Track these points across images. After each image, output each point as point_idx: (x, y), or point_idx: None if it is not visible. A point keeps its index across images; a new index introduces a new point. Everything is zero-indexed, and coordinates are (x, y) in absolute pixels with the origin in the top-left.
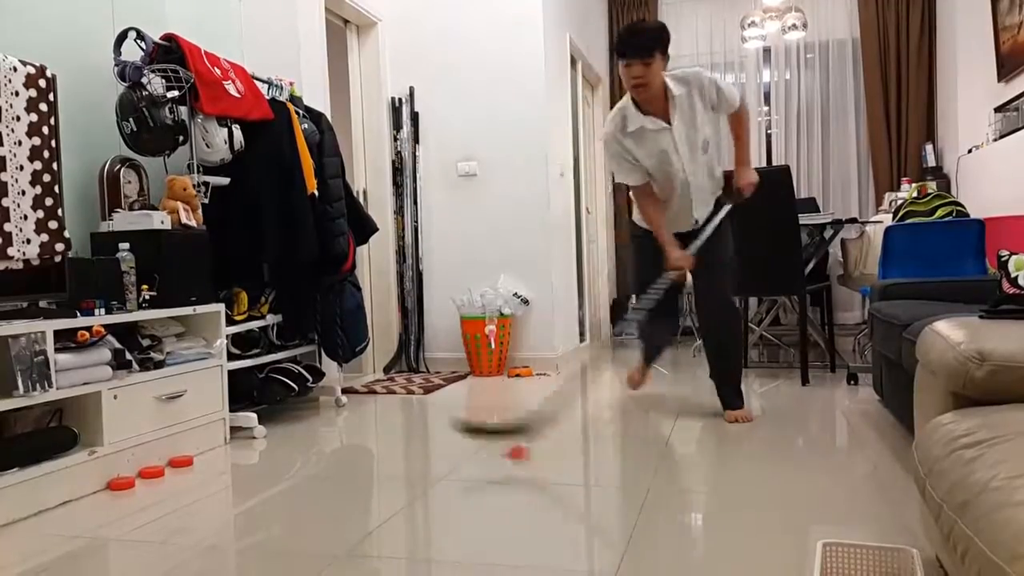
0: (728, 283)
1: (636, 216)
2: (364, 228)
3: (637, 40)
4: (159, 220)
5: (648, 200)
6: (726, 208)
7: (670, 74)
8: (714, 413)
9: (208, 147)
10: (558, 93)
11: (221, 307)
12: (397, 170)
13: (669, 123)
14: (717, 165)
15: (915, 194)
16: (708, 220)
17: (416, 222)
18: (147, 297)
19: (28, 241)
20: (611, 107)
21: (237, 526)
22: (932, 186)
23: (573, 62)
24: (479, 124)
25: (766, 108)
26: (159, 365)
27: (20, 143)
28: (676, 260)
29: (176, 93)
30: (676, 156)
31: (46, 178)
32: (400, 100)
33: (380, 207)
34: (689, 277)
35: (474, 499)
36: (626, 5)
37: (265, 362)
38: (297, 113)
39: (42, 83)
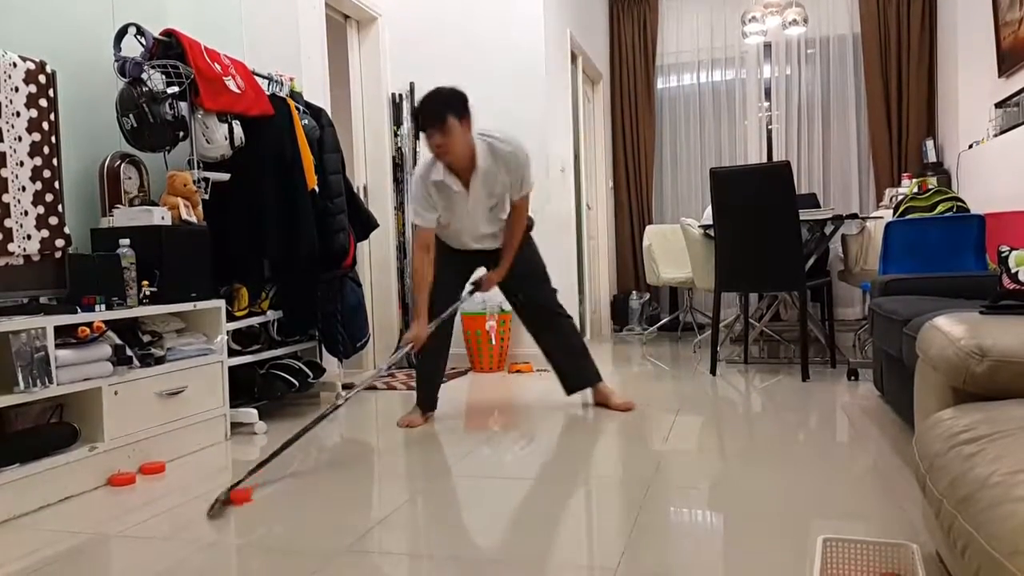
0: (547, 294)
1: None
2: (365, 224)
3: (428, 107)
4: (159, 216)
5: (422, 252)
6: (467, 293)
7: (488, 138)
8: (714, 408)
9: (208, 143)
10: (559, 89)
11: (222, 303)
12: (398, 166)
13: (467, 189)
14: (502, 213)
15: (916, 190)
16: (454, 307)
17: None
18: (147, 293)
19: (28, 237)
20: (611, 103)
21: (238, 522)
22: (933, 182)
23: (574, 58)
24: (479, 119)
25: (767, 104)
26: (160, 361)
27: (20, 139)
28: (417, 335)
29: (176, 89)
30: (466, 215)
31: (46, 174)
32: (400, 95)
33: (381, 203)
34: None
35: (475, 495)
36: (627, 1)
37: (266, 358)
38: (297, 109)
39: (42, 79)
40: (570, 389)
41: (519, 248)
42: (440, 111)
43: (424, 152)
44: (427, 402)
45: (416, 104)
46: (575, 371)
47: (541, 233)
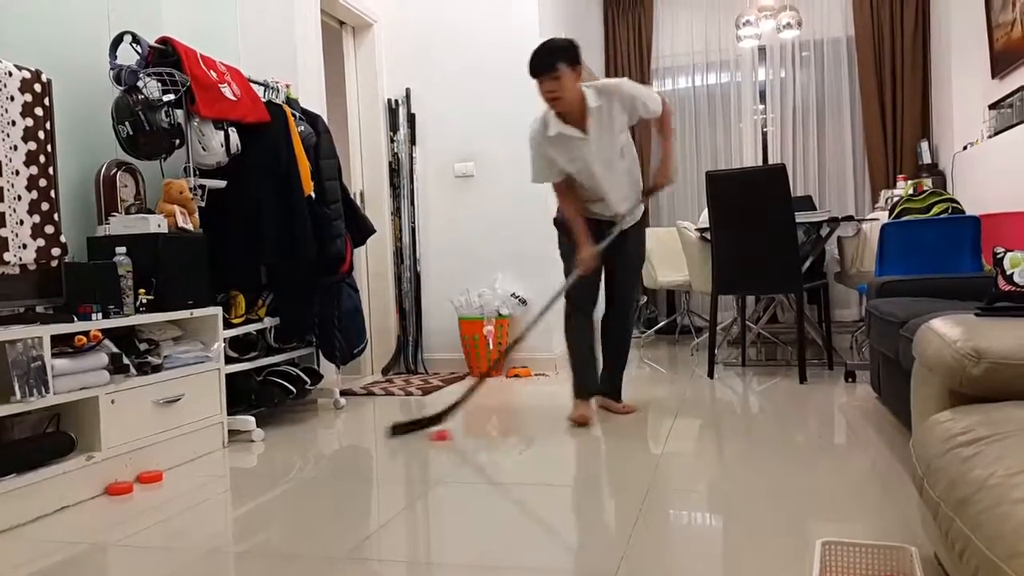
0: (634, 284)
1: (558, 214)
2: (361, 230)
3: (540, 57)
4: (156, 224)
5: (567, 194)
6: (639, 208)
7: (590, 85)
8: (712, 411)
9: (204, 150)
10: None
11: (218, 310)
12: (394, 171)
13: (586, 133)
14: (635, 166)
15: (911, 191)
16: (615, 225)
17: (413, 223)
18: (144, 301)
19: (24, 246)
20: None
21: (236, 529)
22: (928, 183)
23: None
24: (476, 125)
25: (761, 106)
26: (156, 369)
27: (15, 148)
28: (583, 257)
29: (172, 96)
30: (594, 163)
31: (42, 183)
32: (396, 101)
33: (377, 209)
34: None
35: (474, 501)
36: (621, 5)
37: (263, 365)
38: (293, 115)
39: (37, 87)
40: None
41: (640, 236)
42: (551, 59)
43: (419, 157)
44: (590, 386)
45: (530, 55)
46: (607, 374)
47: (542, 233)
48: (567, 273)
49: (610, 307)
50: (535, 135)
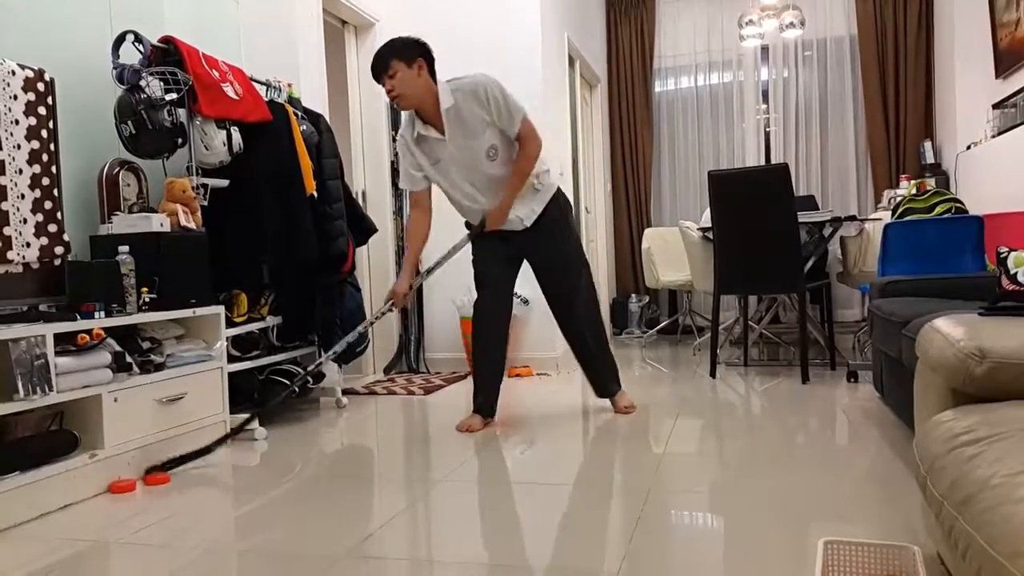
0: (566, 280)
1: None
2: (363, 229)
3: (377, 56)
4: (158, 222)
5: (416, 211)
6: (463, 241)
7: (450, 82)
8: (714, 411)
9: (207, 149)
10: (556, 93)
11: (221, 309)
12: (396, 171)
13: (443, 133)
14: (510, 159)
15: (914, 191)
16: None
17: None
18: (147, 300)
19: (28, 245)
20: (609, 107)
21: (239, 528)
22: (931, 183)
23: (571, 62)
24: None
25: (764, 106)
26: (159, 367)
27: (19, 147)
28: (395, 290)
29: (174, 96)
30: (451, 164)
31: (45, 181)
32: None
33: (379, 208)
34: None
35: (475, 500)
36: (623, 5)
37: (265, 364)
38: (296, 115)
39: (40, 86)
40: (597, 391)
41: (554, 230)
42: (385, 57)
43: None
44: (486, 406)
45: None
46: (589, 377)
47: None
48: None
49: (555, 311)
50: (400, 136)
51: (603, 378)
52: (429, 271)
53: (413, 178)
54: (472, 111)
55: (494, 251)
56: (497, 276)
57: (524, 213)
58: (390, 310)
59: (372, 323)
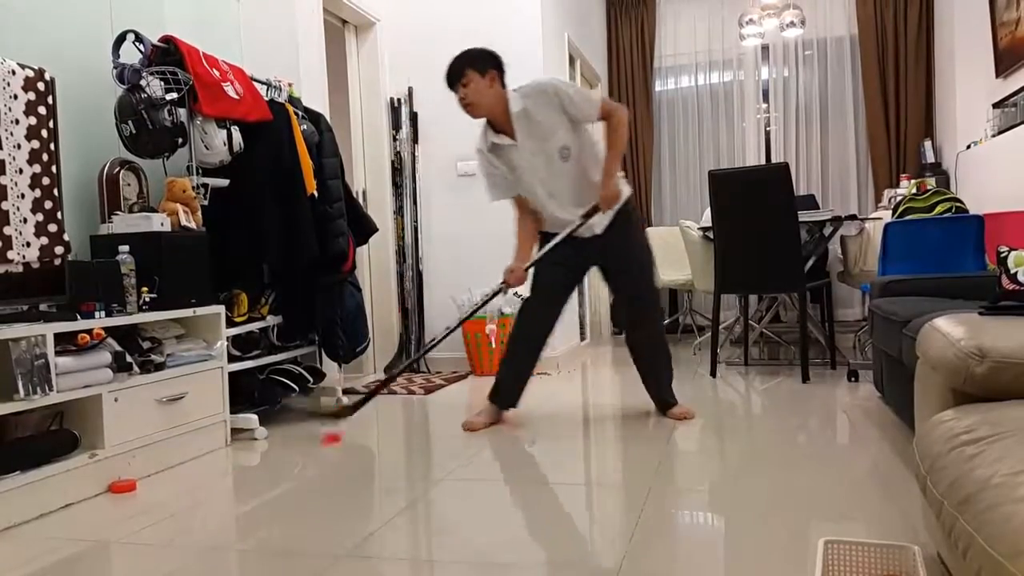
0: (638, 287)
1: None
2: (364, 229)
3: (451, 67)
4: (159, 222)
5: (519, 212)
6: (577, 224)
7: (516, 89)
8: (714, 410)
9: (207, 149)
10: None
11: (221, 309)
12: (396, 170)
13: (515, 139)
14: (592, 169)
15: (914, 190)
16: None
17: (416, 222)
18: (147, 299)
19: (28, 244)
20: None
21: (239, 527)
22: (931, 182)
23: (572, 61)
24: (478, 124)
25: (764, 105)
26: (159, 367)
27: (19, 146)
28: (511, 267)
29: (175, 95)
30: (527, 168)
31: (45, 181)
32: (399, 100)
33: (380, 207)
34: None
35: (476, 498)
36: (624, 4)
37: (266, 363)
38: (296, 114)
39: (41, 86)
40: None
41: (626, 236)
42: (459, 67)
43: (422, 156)
44: (504, 402)
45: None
46: (651, 388)
47: None
48: (533, 287)
49: (626, 319)
50: (478, 149)
51: (659, 390)
52: (542, 253)
53: (500, 186)
54: (541, 111)
55: (562, 261)
56: (554, 286)
57: (596, 219)
58: (502, 290)
59: (484, 303)
